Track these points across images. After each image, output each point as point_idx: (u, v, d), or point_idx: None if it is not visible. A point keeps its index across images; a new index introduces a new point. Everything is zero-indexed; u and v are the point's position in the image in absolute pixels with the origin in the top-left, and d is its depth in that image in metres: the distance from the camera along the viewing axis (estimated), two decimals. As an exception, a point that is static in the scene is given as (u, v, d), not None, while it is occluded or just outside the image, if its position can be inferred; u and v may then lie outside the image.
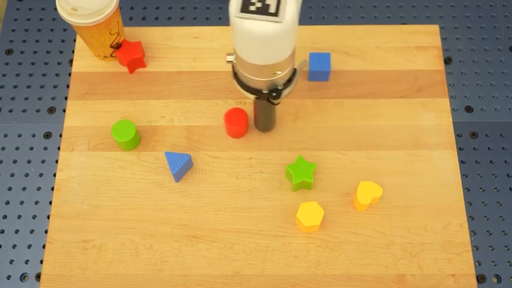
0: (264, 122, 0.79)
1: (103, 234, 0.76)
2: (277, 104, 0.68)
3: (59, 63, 0.89)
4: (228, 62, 0.65)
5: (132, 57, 0.83)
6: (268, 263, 0.74)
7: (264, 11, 0.55)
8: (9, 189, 0.80)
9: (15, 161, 0.82)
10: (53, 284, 0.73)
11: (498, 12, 0.92)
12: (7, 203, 0.79)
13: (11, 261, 0.76)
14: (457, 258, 0.74)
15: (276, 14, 0.55)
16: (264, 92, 0.65)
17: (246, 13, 0.55)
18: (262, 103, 0.70)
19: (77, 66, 0.86)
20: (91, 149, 0.81)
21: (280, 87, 0.66)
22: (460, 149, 0.82)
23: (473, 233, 0.77)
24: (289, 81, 0.66)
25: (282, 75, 0.64)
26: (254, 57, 0.60)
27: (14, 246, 0.77)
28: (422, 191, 0.78)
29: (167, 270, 0.74)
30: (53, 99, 0.86)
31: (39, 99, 0.86)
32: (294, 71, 0.67)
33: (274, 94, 0.66)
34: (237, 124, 0.78)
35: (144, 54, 0.86)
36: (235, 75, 0.67)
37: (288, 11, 0.56)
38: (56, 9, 0.93)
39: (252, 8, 0.56)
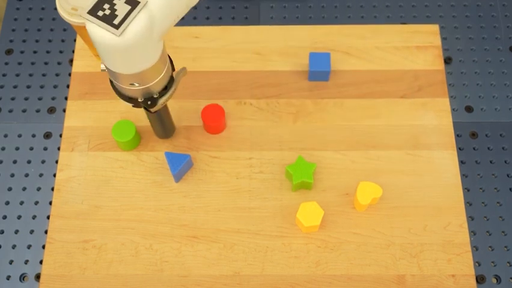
0: (159, 128, 0.77)
1: (103, 234, 0.76)
2: (154, 112, 0.67)
3: (59, 63, 0.89)
4: (102, 70, 0.63)
5: (132, 57, 0.83)
6: (268, 263, 0.74)
7: (108, 20, 0.54)
8: (9, 189, 0.80)
9: (15, 161, 0.82)
10: (53, 284, 0.73)
11: (498, 12, 0.92)
12: (7, 203, 0.79)
13: (11, 262, 0.76)
14: (457, 258, 0.74)
15: (117, 27, 0.53)
16: (139, 100, 0.64)
17: (92, 16, 0.54)
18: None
19: (77, 66, 0.86)
20: (91, 149, 0.81)
21: (155, 96, 0.64)
22: (460, 149, 0.82)
23: (473, 233, 0.77)
24: (165, 89, 0.65)
25: (137, 88, 0.61)
26: (108, 63, 0.59)
27: (13, 247, 0.77)
28: (422, 191, 0.78)
29: (167, 271, 0.74)
30: (53, 99, 0.86)
31: (39, 99, 0.86)
32: (171, 79, 0.65)
33: (149, 102, 0.64)
34: (214, 120, 0.78)
35: (144, 54, 0.86)
36: (111, 82, 0.65)
37: (132, 28, 0.54)
38: (56, 9, 0.93)
39: (100, 13, 0.54)
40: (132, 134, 0.78)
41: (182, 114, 0.83)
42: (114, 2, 0.54)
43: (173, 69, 0.66)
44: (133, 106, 0.65)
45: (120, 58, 0.57)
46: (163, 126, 0.77)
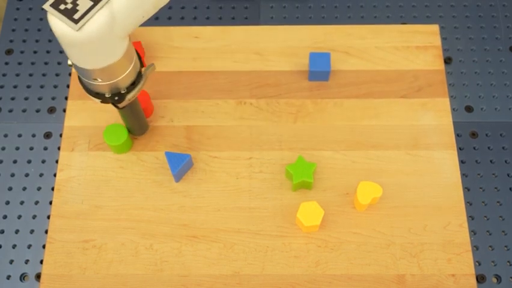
0: (132, 125, 0.77)
1: (103, 234, 0.76)
2: (122, 108, 0.67)
3: (59, 63, 0.89)
4: (69, 65, 0.63)
5: (132, 57, 0.83)
6: (268, 263, 0.74)
7: (69, 14, 0.53)
8: (10, 189, 0.80)
9: (15, 161, 0.82)
10: (53, 284, 0.73)
11: (498, 12, 0.92)
12: (7, 203, 0.79)
13: (11, 261, 0.76)
14: (457, 258, 0.74)
15: (76, 22, 0.53)
16: (107, 96, 0.64)
17: (53, 9, 0.54)
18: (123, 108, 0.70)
19: (77, 66, 0.86)
20: (91, 149, 0.81)
21: (123, 91, 0.64)
22: (460, 149, 0.82)
23: (473, 233, 0.77)
24: (133, 84, 0.65)
25: (103, 84, 0.62)
26: (72, 58, 0.59)
27: (14, 246, 0.77)
28: (422, 191, 0.78)
29: (167, 270, 0.74)
30: (53, 99, 0.86)
31: (39, 99, 0.86)
32: (139, 75, 0.66)
33: (116, 98, 0.64)
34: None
35: (144, 54, 0.86)
36: (79, 78, 0.65)
37: (91, 24, 0.54)
38: (56, 9, 0.93)
39: (62, 6, 0.54)
40: (124, 138, 0.77)
41: (182, 114, 0.83)
42: None
43: (142, 66, 0.66)
44: (101, 102, 0.65)
45: (80, 53, 0.57)
46: (135, 122, 0.77)
